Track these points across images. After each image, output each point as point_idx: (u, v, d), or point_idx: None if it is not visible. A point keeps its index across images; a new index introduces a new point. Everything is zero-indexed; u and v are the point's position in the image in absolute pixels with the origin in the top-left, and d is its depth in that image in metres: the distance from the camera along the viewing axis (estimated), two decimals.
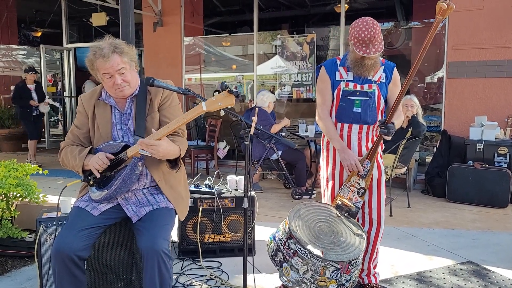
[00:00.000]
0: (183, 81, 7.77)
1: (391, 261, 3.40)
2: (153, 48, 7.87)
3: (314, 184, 5.58)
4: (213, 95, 3.05)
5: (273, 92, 6.59)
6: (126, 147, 2.18)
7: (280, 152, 5.37)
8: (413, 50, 8.98)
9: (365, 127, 2.70)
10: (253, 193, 3.60)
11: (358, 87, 2.67)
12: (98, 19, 8.32)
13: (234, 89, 1.99)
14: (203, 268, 3.24)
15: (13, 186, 2.90)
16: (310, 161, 5.80)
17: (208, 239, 3.43)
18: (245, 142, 2.23)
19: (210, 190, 3.47)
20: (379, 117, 2.71)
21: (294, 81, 7.20)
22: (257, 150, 5.45)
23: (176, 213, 2.31)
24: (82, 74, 10.82)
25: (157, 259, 2.01)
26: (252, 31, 7.34)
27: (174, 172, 2.29)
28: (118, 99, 2.33)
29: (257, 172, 5.52)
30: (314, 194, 5.40)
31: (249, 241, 3.51)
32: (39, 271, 2.77)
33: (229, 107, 2.07)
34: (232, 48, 10.31)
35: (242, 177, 3.70)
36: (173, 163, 2.23)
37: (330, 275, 2.43)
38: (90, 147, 2.28)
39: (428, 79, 8.44)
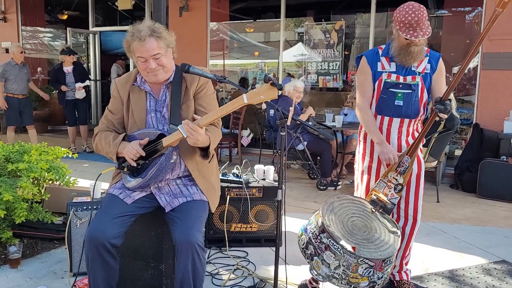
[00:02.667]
0: (208, 67, 7.72)
1: (421, 257, 3.32)
2: (178, 33, 7.69)
3: (339, 175, 5.50)
4: (248, 88, 2.96)
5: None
6: (161, 136, 2.14)
7: (306, 142, 5.29)
8: (444, 39, 8.71)
9: (406, 121, 2.60)
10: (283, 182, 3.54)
11: (401, 79, 2.56)
12: (124, 3, 8.32)
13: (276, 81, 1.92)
14: (229, 257, 3.22)
15: (44, 170, 2.90)
16: (336, 151, 5.71)
17: (234, 229, 3.41)
18: (281, 133, 2.16)
19: (238, 179, 3.43)
20: (422, 111, 2.61)
21: (320, 69, 7.06)
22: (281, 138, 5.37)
23: (208, 205, 2.27)
24: (107, 58, 10.90)
25: (191, 251, 1.99)
26: (276, 17, 7.21)
27: (207, 162, 2.25)
28: (153, 85, 2.28)
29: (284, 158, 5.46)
30: (339, 185, 5.32)
31: (276, 232, 3.47)
32: (69, 255, 2.79)
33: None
34: (254, 35, 10.18)
35: (270, 167, 3.66)
36: (205, 152, 2.18)
37: (363, 272, 2.38)
38: (124, 133, 2.25)
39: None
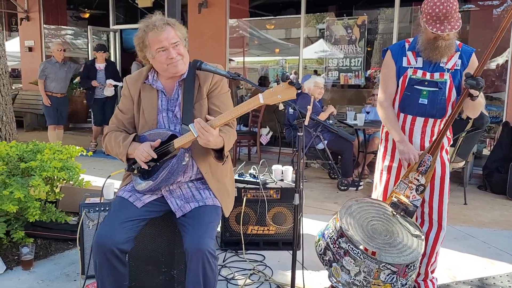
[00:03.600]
0: (227, 65, 7.62)
1: (448, 264, 3.14)
2: (197, 29, 7.74)
3: (361, 175, 5.32)
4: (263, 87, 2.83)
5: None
6: (173, 137, 2.04)
7: (326, 141, 5.13)
8: (471, 34, 8.38)
9: (430, 121, 2.43)
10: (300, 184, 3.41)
11: (428, 76, 2.39)
12: (144, 1, 8.28)
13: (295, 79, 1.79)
14: (246, 261, 3.11)
15: (57, 169, 2.85)
16: (358, 151, 5.53)
17: (251, 231, 3.30)
18: (299, 133, 2.03)
19: (255, 180, 3.32)
20: (449, 111, 2.41)
21: (342, 66, 6.87)
22: (301, 137, 5.21)
23: (222, 210, 2.16)
24: (128, 56, 10.93)
25: (202, 259, 1.89)
26: (296, 13, 7.05)
27: (221, 164, 2.14)
28: (166, 83, 2.17)
29: (302, 161, 5.31)
30: (361, 185, 5.15)
31: None
32: (81, 257, 2.73)
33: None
34: (274, 31, 10.03)
35: (289, 167, 3.53)
36: (219, 154, 2.07)
37: (385, 279, 2.25)
38: (134, 134, 2.15)
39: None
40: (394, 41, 6.25)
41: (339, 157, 5.42)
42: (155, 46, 2.03)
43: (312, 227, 3.57)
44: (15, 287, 2.68)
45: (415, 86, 2.41)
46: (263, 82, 9.46)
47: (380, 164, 2.64)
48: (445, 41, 2.29)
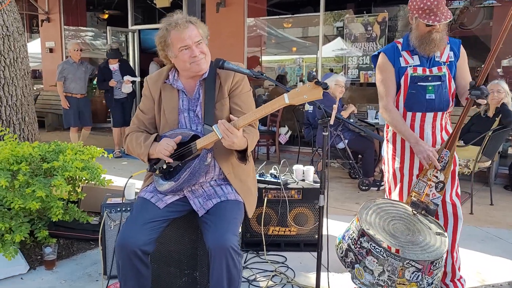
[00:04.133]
0: (245, 64, 7.59)
1: (477, 267, 3.04)
2: (215, 28, 7.72)
3: (383, 175, 5.22)
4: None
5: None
6: (195, 137, 2.01)
7: (347, 140, 5.05)
8: (494, 31, 8.17)
9: (439, 114, 2.45)
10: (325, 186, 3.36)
11: (427, 72, 2.41)
12: (162, 1, 8.29)
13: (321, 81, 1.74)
14: (267, 262, 3.06)
15: (79, 169, 2.85)
16: (379, 150, 5.43)
17: (272, 232, 3.25)
18: (323, 133, 1.98)
19: (276, 180, 3.27)
20: (451, 102, 2.45)
21: (362, 63, 6.77)
22: (322, 137, 5.14)
23: (245, 208, 2.12)
24: (146, 57, 11.00)
25: (225, 256, 1.85)
26: (315, 11, 6.97)
27: (244, 164, 2.10)
28: (187, 82, 2.14)
29: (321, 160, 5.24)
30: (382, 185, 5.05)
31: (317, 236, 3.28)
32: (103, 258, 2.72)
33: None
34: (291, 30, 9.95)
35: (310, 167, 3.48)
36: (242, 155, 2.03)
37: (410, 277, 2.19)
38: (156, 134, 2.12)
39: (505, 63, 7.65)
40: None
41: (359, 156, 5.34)
42: (177, 45, 2.00)
43: (334, 228, 3.50)
44: (38, 287, 2.70)
45: (419, 83, 2.42)
46: (281, 81, 9.41)
47: (391, 166, 2.60)
48: (439, 33, 2.34)
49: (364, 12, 7.22)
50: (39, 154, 2.97)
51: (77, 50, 6.45)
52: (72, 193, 3.07)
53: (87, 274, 2.87)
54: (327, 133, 1.99)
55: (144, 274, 1.98)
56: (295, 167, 3.49)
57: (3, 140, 3.07)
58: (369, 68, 6.71)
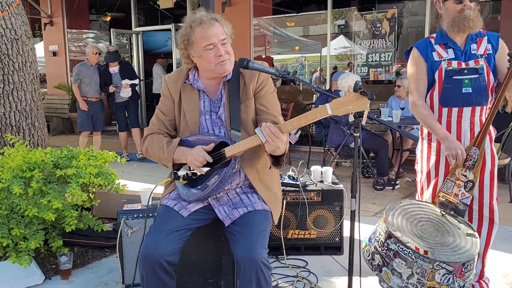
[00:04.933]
0: None
1: (503, 268, 2.94)
2: None
3: (398, 174, 5.13)
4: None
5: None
6: (222, 144, 1.90)
7: (360, 140, 4.95)
8: (502, 25, 8.06)
9: (477, 109, 2.34)
10: (341, 186, 3.27)
11: (463, 65, 2.32)
12: (165, 2, 8.20)
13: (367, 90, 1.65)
14: (288, 267, 2.98)
15: (93, 176, 2.77)
16: (393, 148, 5.34)
17: (292, 235, 3.16)
18: (354, 134, 1.88)
19: (294, 182, 3.18)
20: (490, 96, 2.35)
21: (371, 61, 6.67)
22: (335, 136, 5.05)
23: (272, 216, 2.03)
24: (150, 58, 10.93)
25: (256, 271, 1.76)
26: (319, 9, 6.88)
27: (269, 169, 2.01)
28: (208, 83, 2.04)
29: (335, 160, 5.15)
30: (397, 184, 4.96)
31: (337, 239, 3.21)
32: (121, 266, 2.64)
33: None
34: (295, 29, 9.87)
35: (328, 168, 3.39)
36: (276, 159, 1.93)
37: (441, 279, 2.11)
38: (179, 139, 2.01)
39: None
40: (427, 34, 6.03)
41: (372, 155, 5.24)
42: (202, 43, 1.89)
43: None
44: None
45: (454, 77, 2.33)
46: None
47: (425, 166, 2.51)
48: (471, 10, 2.25)
49: (373, 9, 7.12)
50: (52, 161, 2.88)
51: (96, 54, 6.25)
52: (86, 200, 2.99)
53: (103, 283, 2.79)
54: (358, 134, 1.89)
55: (169, 285, 1.90)
56: (313, 168, 3.40)
57: (13, 147, 2.98)
58: (379, 66, 6.61)
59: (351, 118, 1.76)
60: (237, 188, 2.05)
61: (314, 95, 9.07)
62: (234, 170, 1.90)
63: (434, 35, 2.43)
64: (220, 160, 1.90)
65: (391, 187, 4.91)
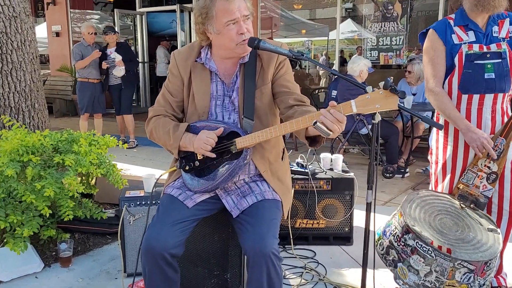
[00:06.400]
0: None
1: None
2: None
3: (408, 162, 4.99)
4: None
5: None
6: (233, 134, 1.76)
7: (370, 126, 4.81)
8: None
9: (500, 96, 2.19)
10: (352, 174, 3.15)
11: (485, 49, 2.15)
12: None
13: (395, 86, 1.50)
14: (295, 257, 2.87)
15: (93, 165, 2.64)
16: (403, 135, 5.19)
17: (300, 225, 3.05)
18: (373, 121, 1.75)
19: (303, 170, 3.06)
20: None
21: (382, 45, 6.47)
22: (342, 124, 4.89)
23: (282, 206, 1.90)
24: (154, 40, 10.72)
25: (266, 263, 1.64)
26: None
27: (281, 160, 1.87)
28: (222, 63, 1.86)
29: (343, 147, 5.01)
30: (407, 172, 4.83)
31: (347, 229, 3.09)
32: (123, 255, 2.54)
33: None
34: (299, 12, 9.64)
35: (338, 155, 3.26)
36: (315, 139, 1.73)
37: (461, 278, 2.02)
38: (187, 124, 1.85)
39: None
40: (440, 18, 5.81)
41: (380, 142, 5.10)
42: (224, 18, 1.70)
43: (362, 218, 3.30)
44: (54, 286, 2.52)
45: (475, 62, 2.17)
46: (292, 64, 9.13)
47: (441, 157, 2.37)
48: None
49: None
50: (51, 144, 2.76)
51: (91, 34, 5.96)
52: (85, 187, 2.87)
53: (105, 271, 2.70)
54: (377, 121, 1.75)
55: (173, 279, 1.79)
56: (323, 155, 3.28)
57: (11, 130, 2.86)
58: (390, 50, 6.42)
59: (377, 118, 1.60)
60: (246, 177, 1.92)
61: (322, 80, 8.90)
62: (245, 161, 1.77)
63: (453, 15, 2.26)
64: (230, 150, 1.76)
65: (401, 175, 4.78)
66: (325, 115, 1.53)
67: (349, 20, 7.89)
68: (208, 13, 1.72)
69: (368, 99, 1.52)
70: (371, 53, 6.56)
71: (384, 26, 6.42)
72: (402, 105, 1.63)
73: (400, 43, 6.31)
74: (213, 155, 1.76)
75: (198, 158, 1.80)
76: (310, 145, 1.74)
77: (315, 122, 1.51)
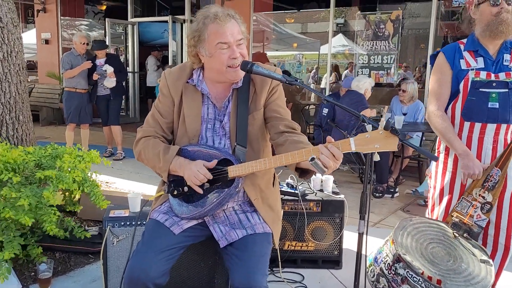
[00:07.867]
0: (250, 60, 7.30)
1: None
2: None
3: (397, 181, 4.97)
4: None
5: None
6: (225, 161, 1.70)
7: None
8: None
9: (503, 127, 2.15)
10: (342, 196, 3.10)
11: (493, 77, 2.11)
12: None
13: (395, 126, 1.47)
14: (283, 281, 2.80)
15: (76, 183, 2.56)
16: (393, 154, 5.18)
17: (288, 247, 2.99)
18: (375, 159, 1.69)
19: (293, 191, 3.00)
20: None
21: (373, 63, 6.50)
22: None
23: (273, 236, 1.84)
24: (145, 50, 10.66)
25: None
26: (319, 7, 6.68)
27: (272, 187, 1.81)
28: (214, 86, 1.81)
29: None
30: (397, 192, 4.81)
31: (336, 252, 3.03)
32: (104, 278, 2.45)
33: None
34: (291, 26, 9.69)
35: (329, 176, 3.21)
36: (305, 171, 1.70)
37: None
38: (178, 147, 1.79)
39: None
40: (431, 37, 5.85)
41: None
42: (215, 40, 1.67)
43: (352, 240, 3.25)
44: None
45: (480, 90, 2.13)
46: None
47: (439, 182, 2.33)
48: (508, 13, 2.06)
49: (377, 9, 6.94)
50: (34, 160, 2.67)
51: (83, 44, 5.89)
52: (68, 206, 2.78)
53: None
54: (375, 160, 1.68)
55: None
56: (313, 176, 3.22)
57: None
58: (381, 68, 6.44)
59: (376, 158, 1.55)
60: (235, 205, 1.86)
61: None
62: (237, 189, 1.71)
63: (465, 40, 2.23)
64: (221, 179, 1.70)
65: (390, 195, 4.75)
66: (322, 150, 1.49)
67: (340, 35, 7.94)
68: (201, 36, 1.69)
69: (368, 138, 1.48)
70: (362, 71, 6.58)
71: (376, 44, 6.44)
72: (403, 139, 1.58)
73: (391, 61, 6.34)
74: (201, 191, 1.70)
75: (188, 184, 1.74)
76: (300, 176, 1.70)
77: (313, 158, 1.47)
